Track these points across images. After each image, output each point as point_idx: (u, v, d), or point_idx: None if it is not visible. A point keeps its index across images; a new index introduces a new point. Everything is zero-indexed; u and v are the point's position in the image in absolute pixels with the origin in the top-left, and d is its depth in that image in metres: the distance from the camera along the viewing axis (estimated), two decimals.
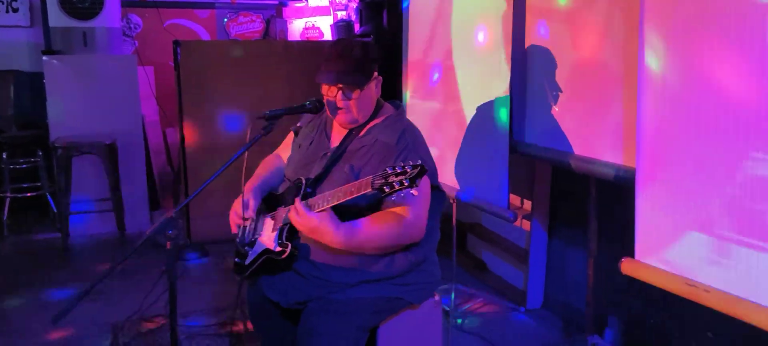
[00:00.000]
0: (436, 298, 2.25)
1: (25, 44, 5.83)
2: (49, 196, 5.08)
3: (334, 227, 1.88)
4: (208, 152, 4.43)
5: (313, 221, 1.87)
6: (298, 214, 1.89)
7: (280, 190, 2.24)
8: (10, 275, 4.00)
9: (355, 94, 2.04)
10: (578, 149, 2.57)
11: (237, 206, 2.15)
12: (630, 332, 2.89)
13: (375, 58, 2.09)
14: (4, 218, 4.88)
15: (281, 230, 2.07)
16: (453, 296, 3.38)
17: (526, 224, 3.53)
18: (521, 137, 2.94)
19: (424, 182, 2.00)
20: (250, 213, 2.11)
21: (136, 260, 4.21)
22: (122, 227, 4.68)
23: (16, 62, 5.78)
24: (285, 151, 2.36)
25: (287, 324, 2.20)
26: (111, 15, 4.80)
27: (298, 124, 2.33)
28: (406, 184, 1.72)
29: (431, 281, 2.19)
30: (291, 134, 2.35)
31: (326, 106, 2.10)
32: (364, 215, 1.96)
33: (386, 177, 1.75)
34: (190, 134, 4.41)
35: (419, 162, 1.75)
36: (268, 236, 2.12)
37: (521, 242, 3.67)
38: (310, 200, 1.96)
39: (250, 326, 3.07)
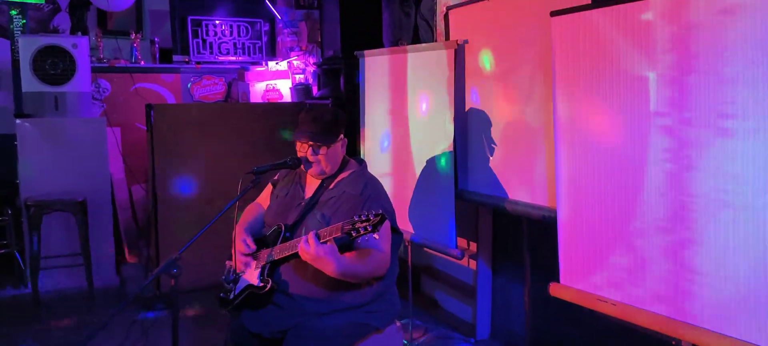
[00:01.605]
0: (398, 324, 2.63)
1: None
2: (16, 253, 5.22)
3: (334, 258, 2.21)
4: (177, 206, 4.72)
5: (321, 250, 2.18)
6: (308, 244, 2.19)
7: (261, 234, 2.61)
8: None
9: (323, 150, 2.46)
10: (511, 194, 3.05)
11: (239, 245, 2.47)
12: None
13: (342, 123, 2.53)
14: None
15: (263, 268, 2.43)
16: (411, 329, 3.76)
17: (473, 264, 3.96)
18: (465, 186, 3.41)
19: (386, 225, 2.40)
20: (253, 246, 2.46)
21: (105, 311, 4.42)
22: (90, 281, 4.86)
23: None
24: (264, 200, 2.73)
25: None
26: (82, 81, 5.07)
27: (275, 178, 2.73)
28: (369, 229, 2.12)
29: (392, 309, 2.57)
30: (269, 186, 2.73)
31: (301, 161, 2.50)
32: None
33: (353, 224, 2.15)
34: (161, 190, 4.69)
35: (380, 211, 2.16)
36: (250, 274, 2.47)
37: (469, 279, 4.09)
38: (293, 241, 2.34)
39: None
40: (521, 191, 3.01)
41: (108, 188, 5.19)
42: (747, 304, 1.89)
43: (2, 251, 5.17)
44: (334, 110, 2.55)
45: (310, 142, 2.45)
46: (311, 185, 2.57)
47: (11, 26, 5.51)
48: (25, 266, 4.96)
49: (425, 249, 4.27)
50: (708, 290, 2.00)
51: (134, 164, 5.76)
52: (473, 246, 3.97)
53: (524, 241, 3.13)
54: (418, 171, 3.54)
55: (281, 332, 2.40)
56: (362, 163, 2.63)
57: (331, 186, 2.51)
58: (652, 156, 2.13)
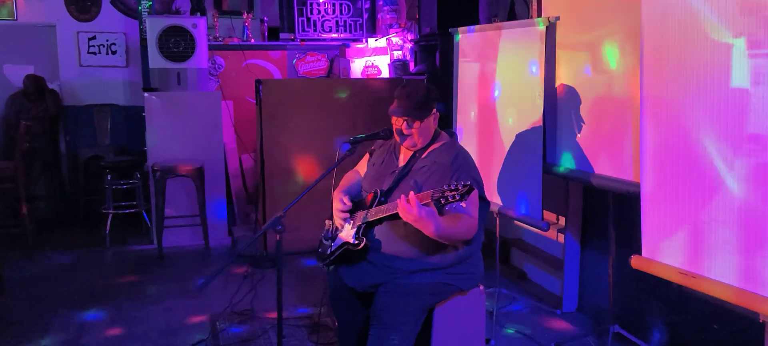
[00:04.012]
0: (481, 288, 2.79)
1: (121, 82, 6.74)
2: (144, 213, 5.86)
3: (434, 219, 2.36)
4: (283, 175, 5.11)
5: (423, 211, 2.33)
6: (410, 204, 2.34)
7: (359, 197, 2.86)
8: (116, 278, 4.72)
9: (416, 124, 2.64)
10: (598, 169, 3.10)
11: (337, 204, 2.71)
12: (649, 327, 3.35)
13: (434, 99, 2.70)
14: (107, 231, 5.66)
15: (359, 228, 2.67)
16: (497, 297, 3.91)
17: (562, 237, 4.02)
18: (553, 160, 3.48)
19: (474, 194, 2.55)
20: (349, 204, 2.69)
21: (219, 266, 4.90)
22: (207, 239, 5.39)
23: (113, 97, 6.70)
24: (362, 168, 2.98)
25: (360, 308, 2.76)
26: (200, 58, 5.56)
27: (372, 148, 2.96)
28: (458, 198, 2.28)
29: (476, 273, 2.74)
30: (367, 155, 2.97)
31: (395, 134, 2.71)
32: None
33: (443, 192, 2.31)
34: (269, 160, 5.09)
35: (469, 182, 2.31)
36: (347, 233, 2.72)
37: (558, 253, 4.16)
38: (388, 205, 2.55)
39: (326, 318, 3.66)
40: (608, 165, 3.06)
41: (222, 156, 5.69)
42: None
43: (132, 210, 5.84)
44: (427, 87, 2.73)
45: (405, 118, 2.64)
46: (405, 154, 2.77)
47: (139, 8, 6.10)
48: (152, 224, 5.57)
49: (515, 222, 4.37)
50: None
51: (244, 135, 6.25)
52: (562, 220, 4.02)
53: (610, 215, 3.17)
54: (507, 145, 3.65)
55: (372, 287, 2.64)
56: (453, 135, 2.81)
57: (423, 156, 2.70)
58: (738, 133, 2.14)
